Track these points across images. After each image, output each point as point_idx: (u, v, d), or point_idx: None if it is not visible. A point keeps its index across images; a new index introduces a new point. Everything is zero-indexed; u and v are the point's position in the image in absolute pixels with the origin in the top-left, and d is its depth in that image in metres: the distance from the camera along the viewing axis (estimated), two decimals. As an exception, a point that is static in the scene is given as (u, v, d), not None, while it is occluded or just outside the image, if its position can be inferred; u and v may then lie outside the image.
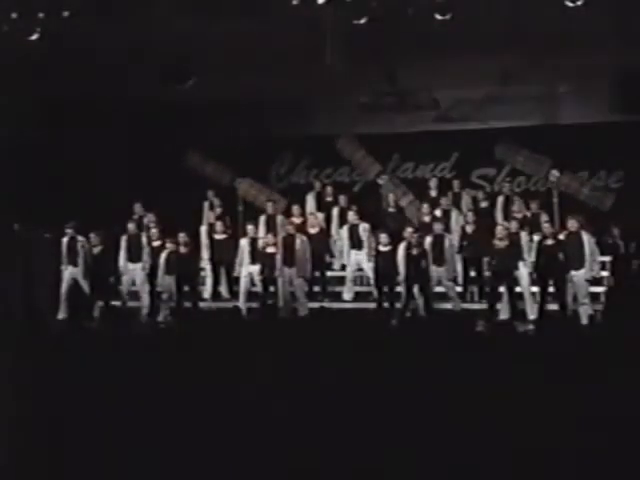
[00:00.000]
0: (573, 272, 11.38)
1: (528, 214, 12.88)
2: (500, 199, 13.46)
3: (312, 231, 13.12)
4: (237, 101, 14.98)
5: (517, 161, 13.86)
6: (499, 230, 11.75)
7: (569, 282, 11.41)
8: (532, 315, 11.66)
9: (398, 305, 11.91)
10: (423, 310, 11.84)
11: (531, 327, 11.14)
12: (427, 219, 12.94)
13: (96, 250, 12.83)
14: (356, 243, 12.89)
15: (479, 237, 12.17)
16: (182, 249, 12.44)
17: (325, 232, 13.44)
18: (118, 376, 8.28)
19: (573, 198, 13.27)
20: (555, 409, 6.78)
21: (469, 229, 12.52)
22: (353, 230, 12.94)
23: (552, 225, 12.13)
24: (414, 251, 11.82)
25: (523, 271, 11.69)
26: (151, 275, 12.81)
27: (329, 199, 13.97)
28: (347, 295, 13.02)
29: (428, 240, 12.10)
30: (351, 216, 13.04)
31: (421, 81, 14.89)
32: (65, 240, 12.99)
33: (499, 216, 13.18)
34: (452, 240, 12.37)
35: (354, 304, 12.92)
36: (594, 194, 13.28)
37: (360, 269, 12.99)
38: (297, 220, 13.33)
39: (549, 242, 11.56)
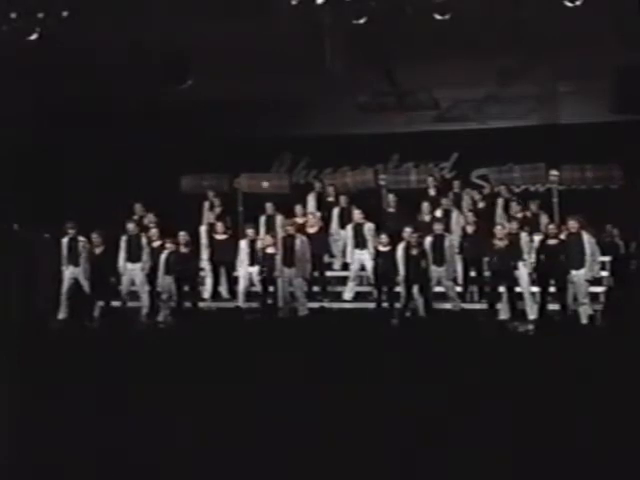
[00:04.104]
0: (573, 272, 11.37)
1: (528, 214, 12.87)
2: (500, 199, 13.45)
3: (311, 231, 13.12)
4: (237, 101, 14.99)
5: (514, 178, 13.89)
6: (499, 230, 11.75)
7: (570, 282, 11.41)
8: (532, 315, 11.65)
9: (398, 305, 11.90)
10: (423, 310, 11.83)
11: (531, 327, 11.14)
12: (427, 218, 12.94)
13: (98, 250, 12.82)
14: (360, 242, 12.87)
15: (479, 237, 12.17)
16: (183, 249, 12.43)
17: (324, 232, 13.43)
18: (118, 376, 8.29)
19: (573, 198, 13.27)
20: (555, 409, 6.78)
21: (469, 229, 12.51)
22: (358, 229, 12.93)
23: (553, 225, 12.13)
24: (414, 251, 11.82)
25: (523, 271, 11.68)
26: (151, 275, 12.80)
27: (330, 199, 13.94)
28: (347, 295, 13.01)
29: (428, 240, 12.10)
30: (356, 215, 13.02)
31: (421, 81, 14.89)
32: (66, 240, 12.98)
33: (499, 216, 13.17)
34: (452, 240, 12.37)
35: (354, 304, 12.91)
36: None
37: (363, 268, 12.97)
38: (300, 220, 13.33)
39: (550, 242, 11.55)
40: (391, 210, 13.54)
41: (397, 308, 11.88)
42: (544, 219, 12.60)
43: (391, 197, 13.64)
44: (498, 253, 11.60)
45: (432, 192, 13.72)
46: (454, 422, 6.45)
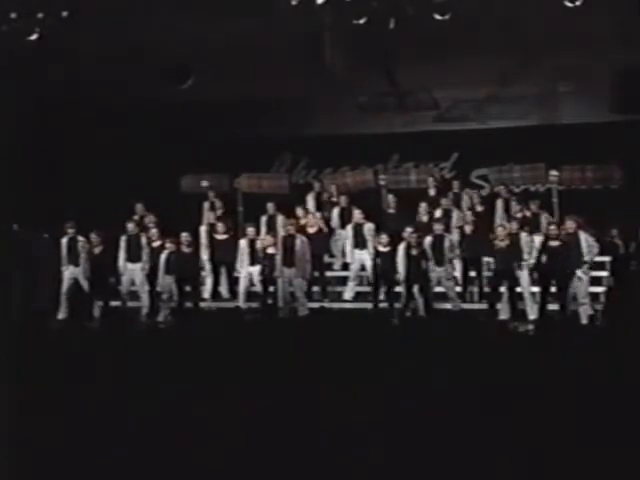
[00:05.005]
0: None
1: (527, 214, 12.87)
2: (500, 199, 13.44)
3: (310, 231, 13.11)
4: (237, 101, 14.98)
5: (514, 178, 13.89)
6: (499, 230, 11.75)
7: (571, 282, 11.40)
8: (532, 315, 11.65)
9: (398, 305, 11.90)
10: (423, 310, 11.83)
11: (531, 327, 11.14)
12: (425, 219, 12.91)
13: (97, 250, 12.81)
14: (360, 242, 12.86)
15: (479, 237, 12.17)
16: (185, 249, 12.43)
17: (323, 232, 13.42)
18: (118, 376, 8.29)
19: (573, 198, 13.28)
20: (555, 409, 6.78)
21: (468, 229, 12.51)
22: (358, 229, 12.92)
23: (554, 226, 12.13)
24: (413, 251, 11.82)
25: (523, 271, 11.66)
26: (150, 275, 12.80)
27: (334, 199, 13.90)
28: (348, 294, 13.01)
29: (427, 240, 12.10)
30: (357, 215, 13.01)
31: (421, 81, 14.89)
32: (65, 240, 12.98)
33: (499, 216, 13.16)
34: (452, 240, 12.37)
35: (354, 304, 12.92)
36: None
37: (363, 268, 12.95)
38: (303, 220, 13.33)
39: (552, 243, 11.53)
40: (391, 211, 13.53)
41: (397, 308, 11.88)
42: (544, 219, 12.60)
43: (390, 198, 13.62)
44: (499, 253, 11.60)
45: (432, 192, 13.70)
46: (454, 422, 6.45)
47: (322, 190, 14.31)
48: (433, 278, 11.99)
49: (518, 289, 11.71)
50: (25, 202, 14.22)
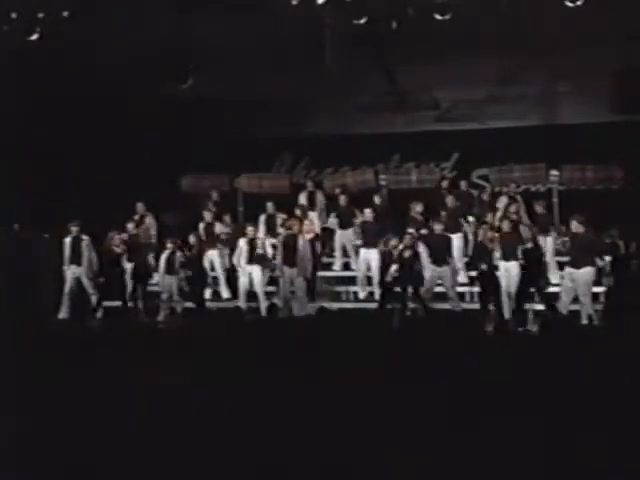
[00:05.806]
0: (574, 271, 11.33)
1: (524, 214, 12.85)
2: (503, 200, 13.39)
3: (307, 237, 12.96)
4: (237, 101, 14.98)
5: (515, 178, 13.86)
6: (489, 234, 11.74)
7: (571, 282, 11.36)
8: (531, 315, 11.60)
9: (397, 305, 11.88)
10: (422, 311, 11.79)
11: (530, 327, 11.12)
12: (420, 218, 12.85)
13: (118, 250, 12.70)
14: (369, 241, 12.73)
15: (479, 237, 12.17)
16: (192, 250, 12.42)
17: (319, 237, 13.36)
18: (118, 376, 8.30)
19: (573, 198, 13.28)
20: (555, 408, 6.78)
21: (469, 229, 12.49)
22: (365, 228, 12.85)
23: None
24: (406, 253, 11.73)
25: (514, 270, 11.57)
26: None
27: (343, 203, 13.80)
28: (362, 294, 12.93)
29: (427, 241, 12.08)
30: (367, 214, 12.91)
31: (421, 81, 14.89)
32: (69, 239, 12.94)
33: (498, 216, 13.12)
34: (453, 240, 12.36)
35: (354, 304, 12.90)
36: None
37: (369, 269, 12.81)
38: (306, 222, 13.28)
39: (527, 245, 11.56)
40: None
41: (397, 308, 11.85)
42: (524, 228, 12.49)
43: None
44: (487, 254, 11.59)
45: (449, 201, 13.48)
46: (454, 422, 6.45)
47: (315, 189, 14.29)
48: (433, 278, 11.97)
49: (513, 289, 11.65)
50: (25, 202, 14.22)
